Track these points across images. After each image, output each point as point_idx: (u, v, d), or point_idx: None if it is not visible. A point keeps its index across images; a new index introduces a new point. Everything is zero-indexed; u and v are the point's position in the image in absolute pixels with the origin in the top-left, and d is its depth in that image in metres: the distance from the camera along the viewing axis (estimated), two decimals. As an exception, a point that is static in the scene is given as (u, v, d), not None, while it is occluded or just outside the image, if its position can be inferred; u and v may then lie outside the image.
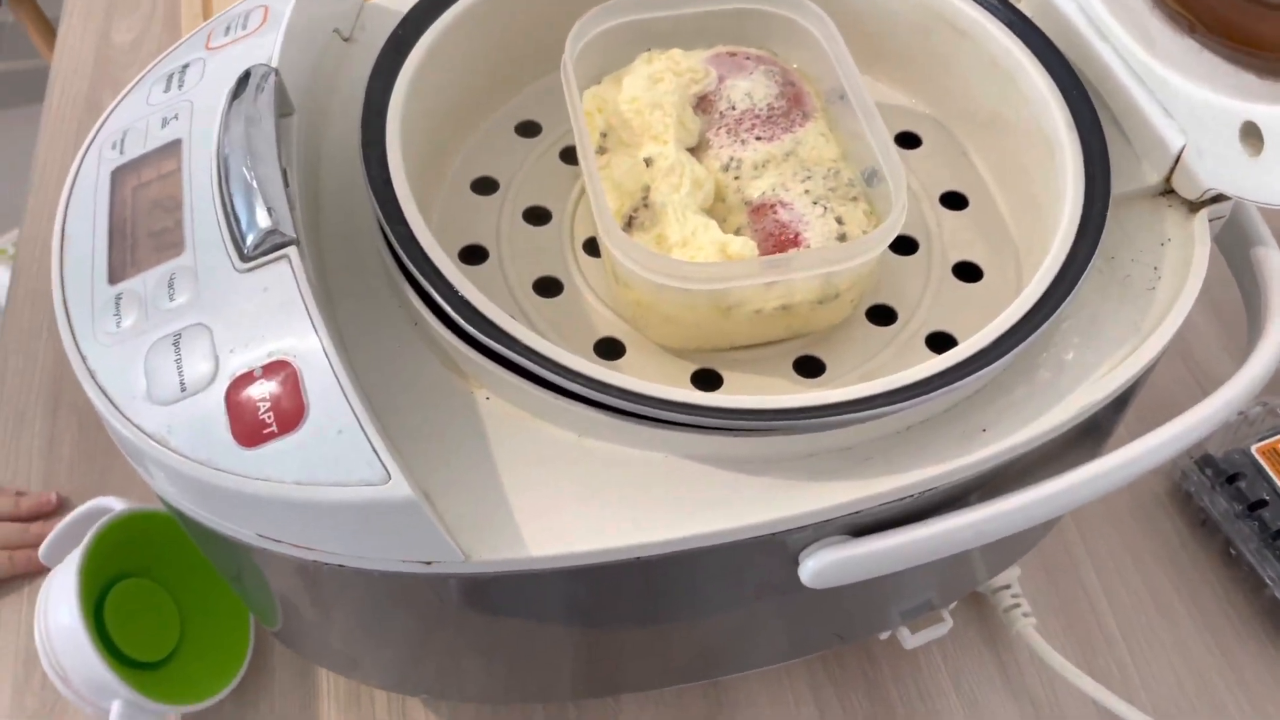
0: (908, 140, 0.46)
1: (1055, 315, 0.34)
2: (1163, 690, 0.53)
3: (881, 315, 0.40)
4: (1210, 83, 0.36)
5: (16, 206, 0.67)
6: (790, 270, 0.35)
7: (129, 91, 0.40)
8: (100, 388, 0.32)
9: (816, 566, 0.33)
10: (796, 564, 0.34)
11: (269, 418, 0.30)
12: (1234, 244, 0.41)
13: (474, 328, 0.33)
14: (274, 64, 0.37)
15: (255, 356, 0.31)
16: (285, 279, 0.32)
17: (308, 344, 0.31)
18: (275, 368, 0.31)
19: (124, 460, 0.34)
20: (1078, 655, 0.54)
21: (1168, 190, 0.39)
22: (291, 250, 0.32)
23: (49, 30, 1.36)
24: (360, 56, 0.44)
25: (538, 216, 0.43)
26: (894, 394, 0.32)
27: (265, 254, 0.32)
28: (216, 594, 0.49)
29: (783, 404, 0.32)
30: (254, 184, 0.33)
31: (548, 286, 0.41)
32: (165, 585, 0.48)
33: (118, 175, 0.36)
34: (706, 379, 0.39)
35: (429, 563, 0.31)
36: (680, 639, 0.42)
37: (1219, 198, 0.38)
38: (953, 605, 0.53)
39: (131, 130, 0.37)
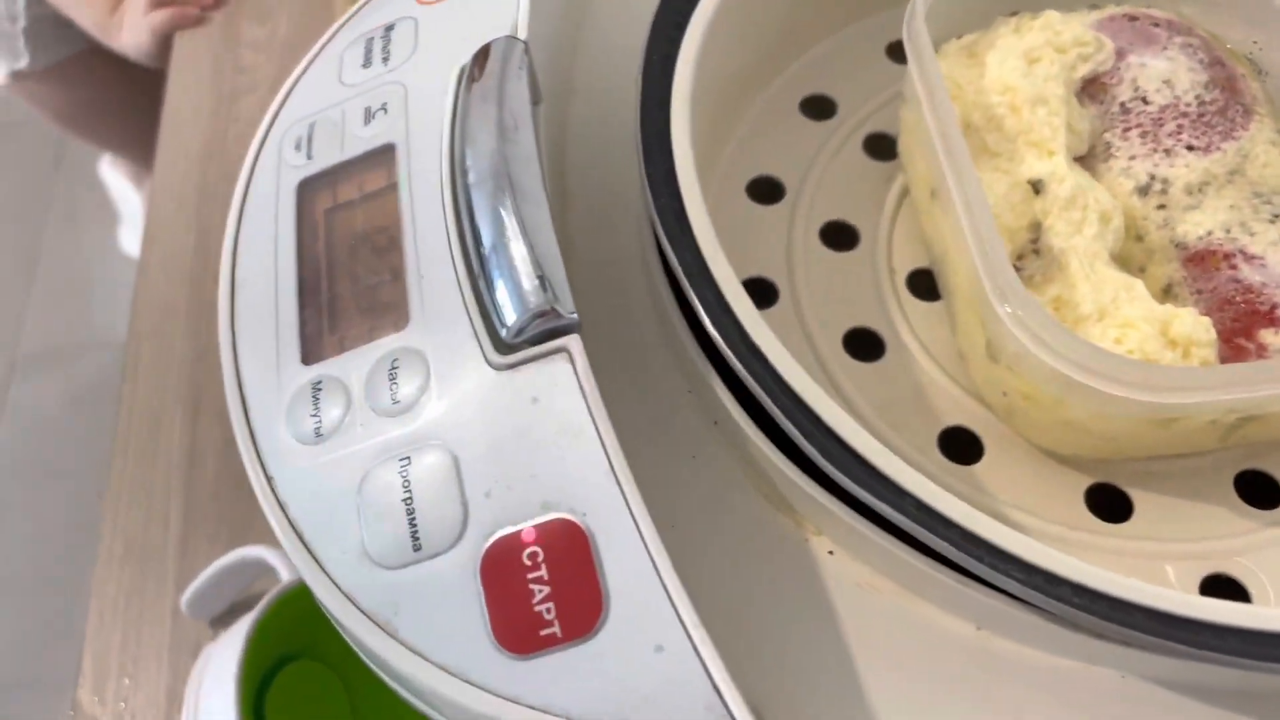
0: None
1: None
2: None
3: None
4: None
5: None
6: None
7: (313, 58, 0.29)
8: (295, 529, 0.22)
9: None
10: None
11: (548, 612, 0.20)
12: None
13: (813, 446, 0.22)
14: (522, 34, 0.26)
15: (524, 509, 0.20)
16: (565, 388, 0.21)
17: (607, 501, 0.20)
18: (556, 531, 0.20)
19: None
20: None
21: None
22: (572, 342, 0.21)
23: None
24: (595, 7, 0.33)
25: (840, 237, 0.32)
26: None
27: (533, 343, 0.22)
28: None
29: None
30: (518, 238, 0.22)
31: (862, 344, 0.30)
32: (334, 666, 0.39)
33: (305, 190, 0.26)
34: (1106, 499, 0.27)
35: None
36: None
37: None
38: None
39: (321, 122, 0.27)
